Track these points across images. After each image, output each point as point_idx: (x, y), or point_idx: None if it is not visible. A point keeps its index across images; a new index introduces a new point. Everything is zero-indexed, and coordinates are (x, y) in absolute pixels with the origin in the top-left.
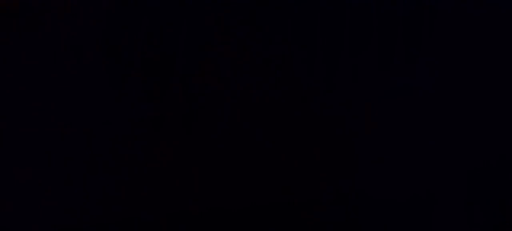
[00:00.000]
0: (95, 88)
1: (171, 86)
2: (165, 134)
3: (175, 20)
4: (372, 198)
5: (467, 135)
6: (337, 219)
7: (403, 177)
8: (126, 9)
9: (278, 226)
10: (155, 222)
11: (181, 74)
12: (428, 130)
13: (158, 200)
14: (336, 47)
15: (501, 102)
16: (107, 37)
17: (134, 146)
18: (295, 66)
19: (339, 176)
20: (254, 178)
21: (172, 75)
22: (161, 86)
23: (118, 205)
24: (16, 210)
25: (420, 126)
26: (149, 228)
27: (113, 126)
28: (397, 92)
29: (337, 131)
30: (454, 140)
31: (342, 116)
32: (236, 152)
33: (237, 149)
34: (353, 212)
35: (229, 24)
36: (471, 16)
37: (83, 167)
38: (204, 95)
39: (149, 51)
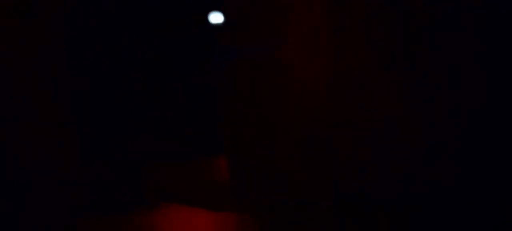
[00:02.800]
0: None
1: (171, 86)
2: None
3: (176, 20)
4: (372, 198)
5: (467, 135)
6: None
7: (403, 177)
8: (127, 9)
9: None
10: None
11: (181, 74)
12: (428, 130)
13: None
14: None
15: (501, 103)
16: (107, 37)
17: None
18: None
19: (339, 176)
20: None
21: (172, 75)
22: (161, 86)
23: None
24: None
25: (420, 125)
26: None
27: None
28: (397, 91)
29: (337, 131)
30: (454, 140)
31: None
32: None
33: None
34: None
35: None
36: (471, 15)
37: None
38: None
39: (149, 51)
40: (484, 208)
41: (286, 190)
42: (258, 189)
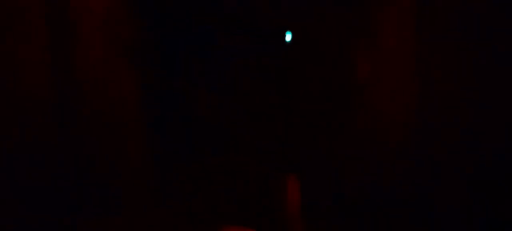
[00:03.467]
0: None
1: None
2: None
3: (176, 21)
4: (372, 198)
5: (468, 135)
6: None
7: (403, 177)
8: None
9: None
10: None
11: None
12: (427, 130)
13: None
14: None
15: (501, 102)
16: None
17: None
18: (293, 67)
19: (340, 176)
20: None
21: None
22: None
23: None
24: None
25: (419, 125)
26: None
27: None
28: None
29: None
30: (454, 140)
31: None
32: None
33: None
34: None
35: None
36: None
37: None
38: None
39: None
40: (484, 208)
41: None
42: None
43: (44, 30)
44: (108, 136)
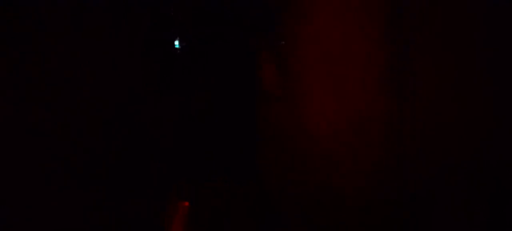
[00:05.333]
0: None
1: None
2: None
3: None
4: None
5: (467, 135)
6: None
7: (403, 177)
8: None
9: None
10: None
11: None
12: (427, 129)
13: None
14: None
15: (501, 102)
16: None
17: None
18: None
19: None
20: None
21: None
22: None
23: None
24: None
25: (418, 125)
26: None
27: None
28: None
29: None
30: (454, 140)
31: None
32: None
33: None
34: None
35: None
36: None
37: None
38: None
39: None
40: (484, 208)
41: None
42: None
43: None
44: None
